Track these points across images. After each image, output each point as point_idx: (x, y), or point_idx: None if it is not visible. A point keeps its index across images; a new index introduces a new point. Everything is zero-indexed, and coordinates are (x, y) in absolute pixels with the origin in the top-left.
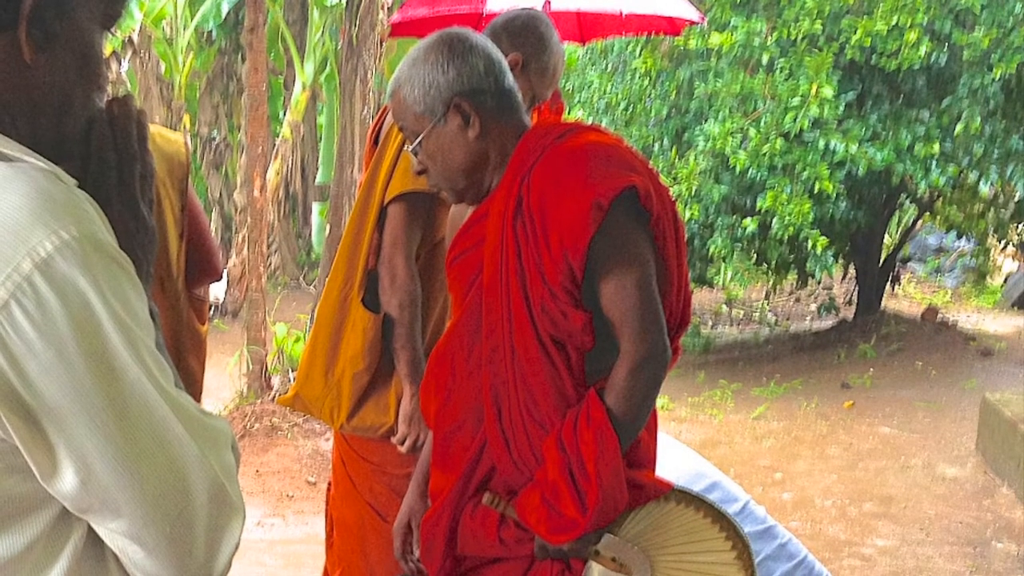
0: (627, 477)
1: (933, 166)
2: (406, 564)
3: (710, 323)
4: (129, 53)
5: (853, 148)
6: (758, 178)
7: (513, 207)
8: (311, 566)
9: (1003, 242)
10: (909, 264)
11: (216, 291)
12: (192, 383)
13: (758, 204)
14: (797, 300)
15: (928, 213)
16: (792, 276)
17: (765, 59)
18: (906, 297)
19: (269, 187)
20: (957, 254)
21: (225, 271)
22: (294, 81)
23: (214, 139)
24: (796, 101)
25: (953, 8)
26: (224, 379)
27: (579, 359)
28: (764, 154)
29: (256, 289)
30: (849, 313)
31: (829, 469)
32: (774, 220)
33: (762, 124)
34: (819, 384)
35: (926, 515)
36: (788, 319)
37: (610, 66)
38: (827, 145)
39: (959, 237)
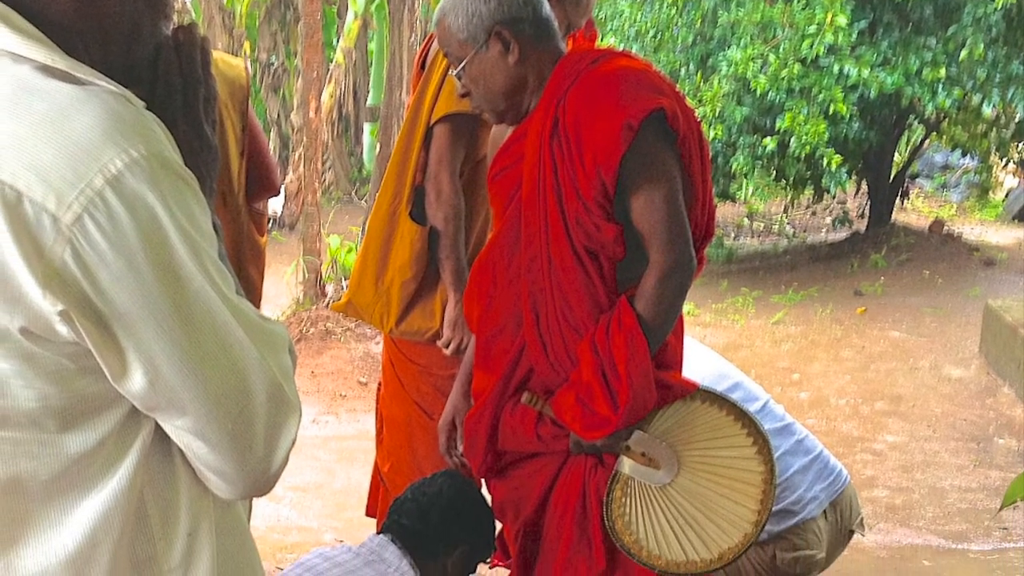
0: (656, 378)
1: (939, 89)
2: (451, 458)
3: (733, 235)
4: None
5: (865, 72)
6: (777, 100)
7: (550, 127)
8: (362, 460)
9: (1004, 160)
10: (917, 180)
11: (274, 205)
12: (252, 291)
13: (777, 124)
14: (813, 214)
15: (935, 133)
16: (809, 191)
17: None
18: (914, 211)
19: (323, 109)
20: (962, 171)
21: (282, 186)
22: (347, 10)
23: (272, 64)
24: (812, 29)
25: None
26: (281, 287)
27: (611, 268)
28: (783, 78)
29: (311, 203)
30: (861, 226)
31: (843, 371)
32: (792, 139)
33: (781, 50)
34: (834, 292)
35: (933, 413)
36: (805, 231)
37: None
38: (841, 70)
39: (963, 155)
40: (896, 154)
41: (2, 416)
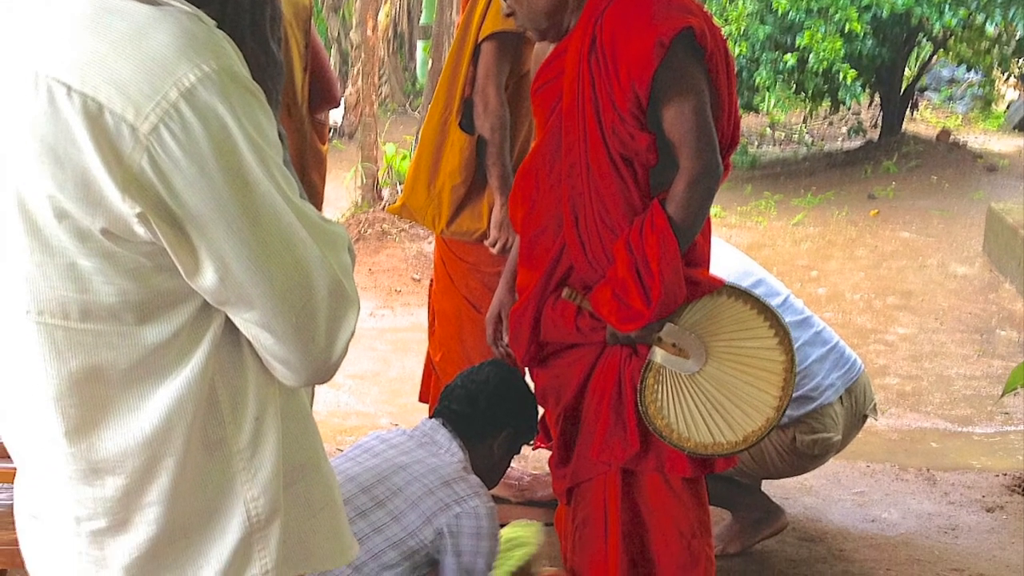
0: (685, 275)
1: (946, 9)
2: (497, 349)
3: (756, 143)
4: None
5: None
6: (797, 19)
7: (588, 44)
8: (416, 351)
9: (1006, 74)
10: (926, 93)
11: (335, 116)
12: (314, 195)
13: (797, 42)
14: (830, 124)
15: (942, 50)
16: (826, 103)
17: None
18: (923, 121)
19: (380, 27)
20: (967, 84)
21: (342, 99)
22: None
23: None
24: None
25: None
26: (341, 191)
27: (644, 174)
28: None
29: (369, 114)
30: (875, 135)
31: (857, 268)
32: (811, 55)
33: None
34: (849, 195)
35: (940, 307)
36: (822, 140)
37: None
38: None
39: (968, 70)
40: (906, 69)
41: (85, 310)
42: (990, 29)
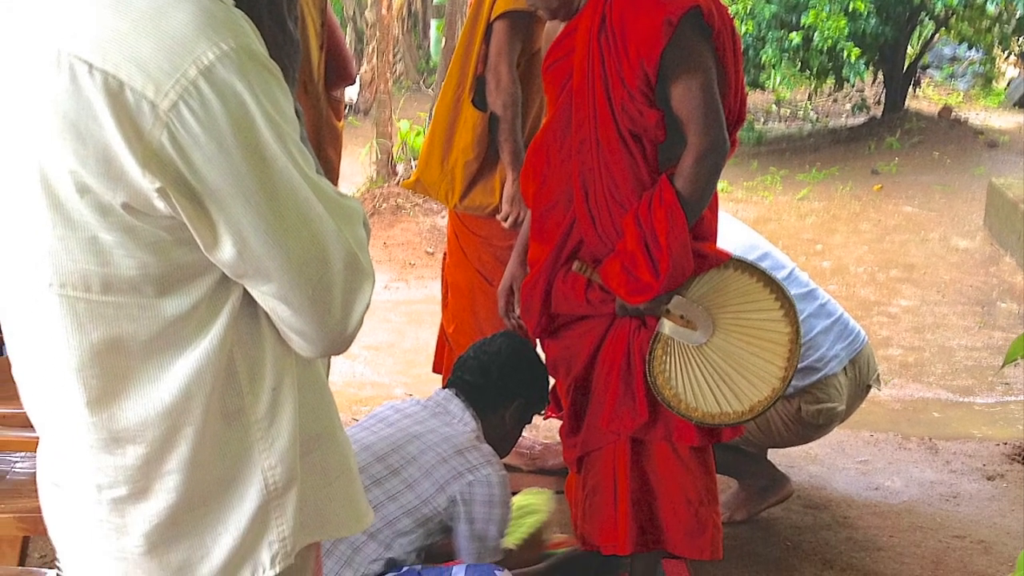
0: (693, 248)
1: None
2: (509, 321)
3: (762, 120)
4: None
5: None
6: None
7: (598, 23)
8: (430, 322)
9: (1006, 52)
10: (928, 71)
11: (350, 93)
12: (330, 170)
13: (802, 20)
14: (835, 100)
15: (944, 28)
16: (831, 80)
17: None
18: (925, 98)
19: (394, 6)
20: (968, 62)
21: (357, 76)
22: None
23: None
24: None
25: None
26: (357, 167)
27: (653, 150)
28: None
29: (383, 91)
30: (878, 111)
31: (861, 242)
32: (815, 34)
33: None
34: (853, 171)
35: (942, 280)
36: (827, 116)
37: None
38: None
39: (969, 48)
40: (909, 47)
41: (106, 283)
42: (991, 8)
